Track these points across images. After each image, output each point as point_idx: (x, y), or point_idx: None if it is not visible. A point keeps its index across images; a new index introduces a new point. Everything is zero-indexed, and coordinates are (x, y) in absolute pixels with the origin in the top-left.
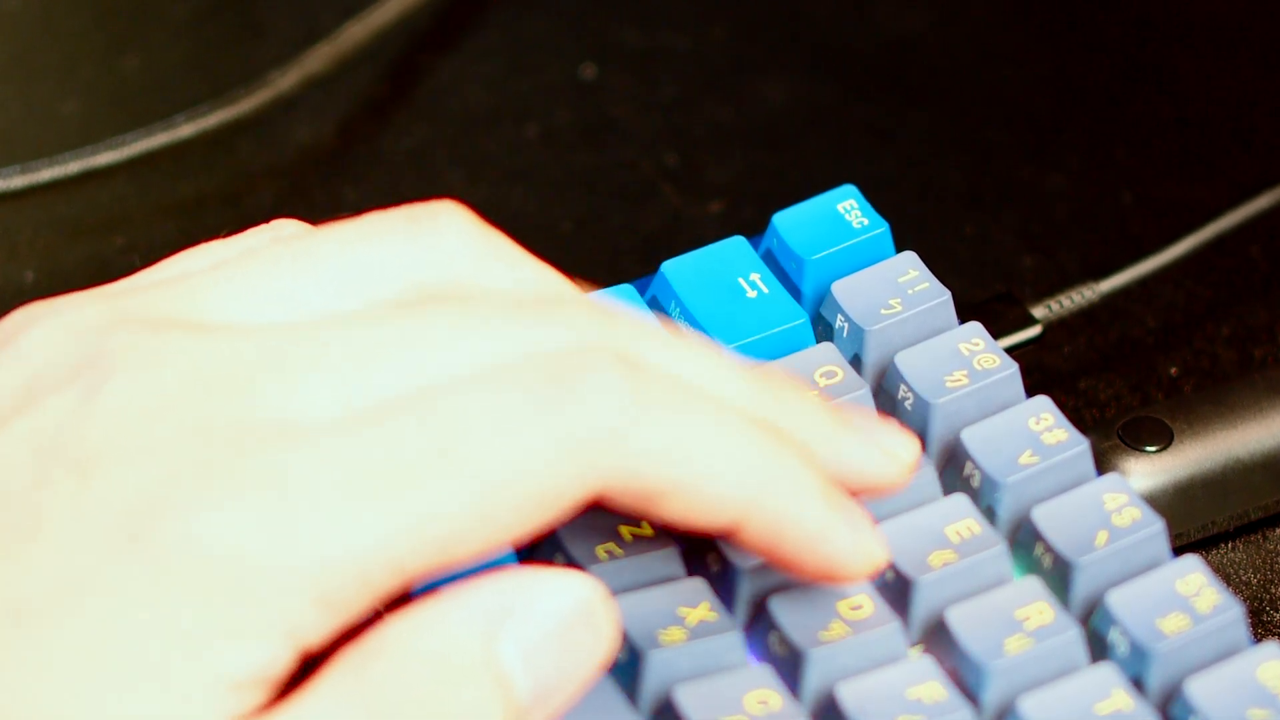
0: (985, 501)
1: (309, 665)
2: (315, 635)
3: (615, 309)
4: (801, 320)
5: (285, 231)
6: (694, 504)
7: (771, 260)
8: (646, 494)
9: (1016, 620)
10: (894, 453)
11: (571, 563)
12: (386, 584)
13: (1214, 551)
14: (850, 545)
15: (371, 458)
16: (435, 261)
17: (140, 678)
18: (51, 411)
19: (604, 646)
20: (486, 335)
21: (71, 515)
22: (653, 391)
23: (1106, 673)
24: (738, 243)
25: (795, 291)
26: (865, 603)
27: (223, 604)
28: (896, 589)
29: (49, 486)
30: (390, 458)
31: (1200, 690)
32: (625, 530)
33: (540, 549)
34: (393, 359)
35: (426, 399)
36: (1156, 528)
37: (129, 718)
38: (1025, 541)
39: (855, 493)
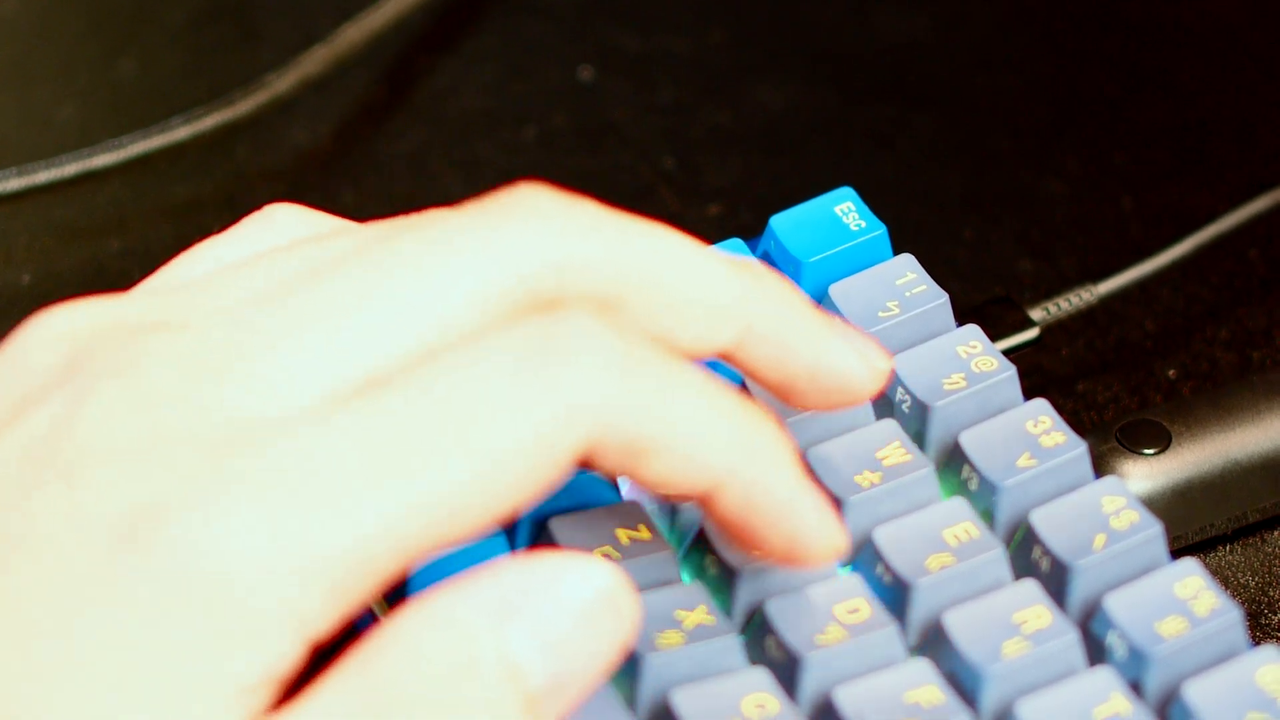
0: (983, 505)
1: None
2: (324, 625)
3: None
4: None
5: (279, 217)
6: (677, 464)
7: (769, 262)
8: (633, 451)
9: (1014, 624)
10: (871, 361)
11: None
12: (392, 566)
13: (1212, 554)
14: (817, 524)
15: (365, 441)
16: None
17: (148, 687)
18: (39, 419)
19: (625, 633)
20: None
21: (64, 523)
22: (641, 352)
23: (1104, 676)
24: (735, 245)
25: None
26: (862, 606)
27: (228, 606)
28: (894, 592)
29: (38, 493)
30: (385, 440)
31: (1199, 694)
32: (622, 534)
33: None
34: (376, 326)
35: (415, 375)
36: (1154, 531)
37: None
38: (1023, 545)
39: (831, 396)
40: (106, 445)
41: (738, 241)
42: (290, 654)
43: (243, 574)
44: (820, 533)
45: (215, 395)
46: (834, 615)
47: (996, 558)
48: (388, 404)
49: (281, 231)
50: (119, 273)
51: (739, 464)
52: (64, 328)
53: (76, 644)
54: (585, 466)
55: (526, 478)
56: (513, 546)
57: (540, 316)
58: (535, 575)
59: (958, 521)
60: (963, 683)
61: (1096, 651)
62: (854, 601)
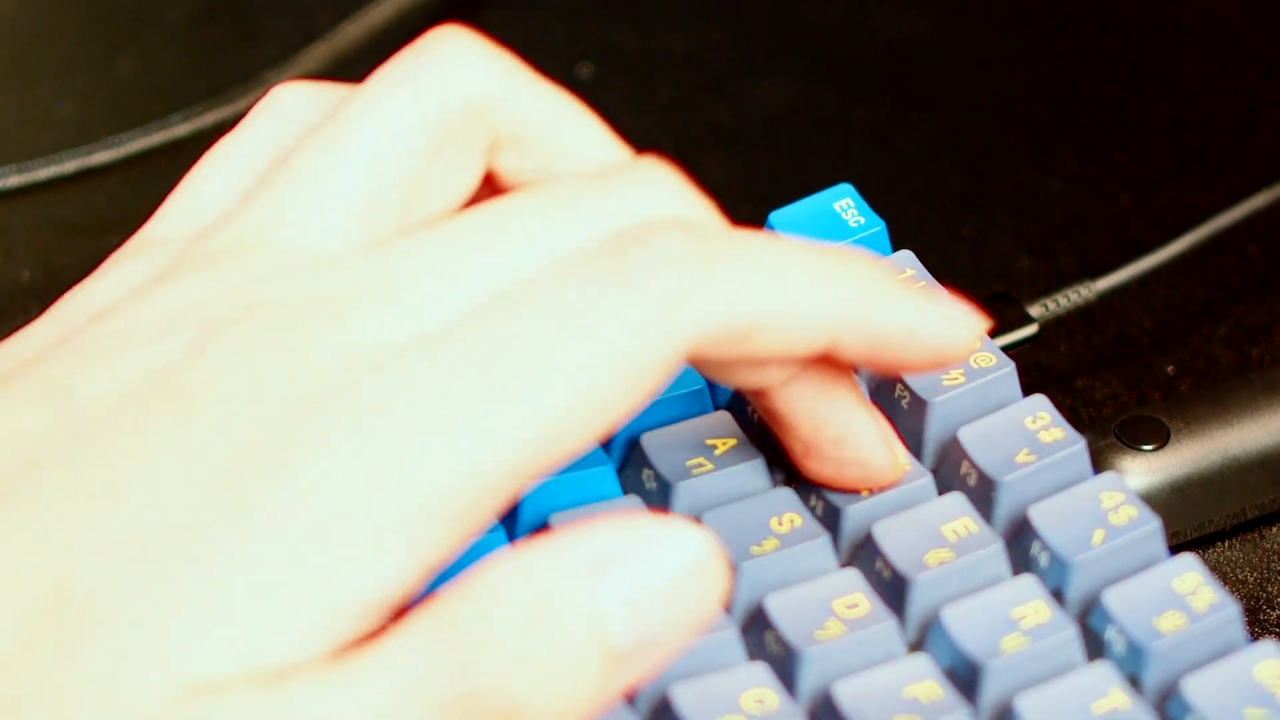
0: (981, 500)
1: None
2: (443, 550)
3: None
4: None
5: (287, 100)
6: (787, 333)
7: None
8: (738, 336)
9: (1013, 619)
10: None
11: None
12: (511, 488)
13: (1211, 550)
14: (945, 326)
15: (474, 367)
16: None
17: (263, 606)
18: (160, 353)
19: (712, 603)
20: (571, 219)
21: (181, 451)
22: (717, 240)
23: (1103, 671)
24: None
25: None
26: (861, 601)
27: (349, 531)
28: (893, 588)
29: (155, 422)
30: (492, 364)
31: (1197, 689)
32: None
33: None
34: (481, 261)
35: (516, 297)
36: (1153, 526)
37: (251, 646)
38: (1022, 540)
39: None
40: (224, 381)
41: None
42: (410, 575)
43: (360, 501)
44: (952, 332)
45: (326, 333)
46: (833, 610)
47: (995, 553)
48: (491, 329)
49: (293, 116)
50: None
51: (848, 309)
52: (183, 291)
53: (193, 559)
54: (694, 365)
55: (630, 387)
56: (511, 538)
57: (617, 229)
58: (628, 536)
59: (956, 517)
60: (962, 678)
61: (1095, 647)
62: (853, 597)
